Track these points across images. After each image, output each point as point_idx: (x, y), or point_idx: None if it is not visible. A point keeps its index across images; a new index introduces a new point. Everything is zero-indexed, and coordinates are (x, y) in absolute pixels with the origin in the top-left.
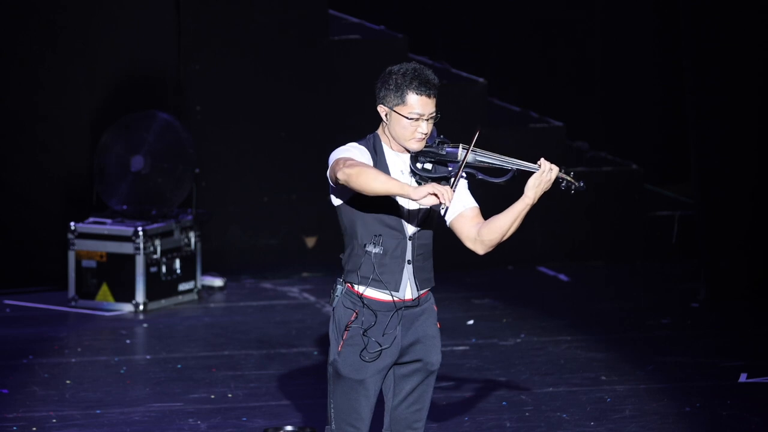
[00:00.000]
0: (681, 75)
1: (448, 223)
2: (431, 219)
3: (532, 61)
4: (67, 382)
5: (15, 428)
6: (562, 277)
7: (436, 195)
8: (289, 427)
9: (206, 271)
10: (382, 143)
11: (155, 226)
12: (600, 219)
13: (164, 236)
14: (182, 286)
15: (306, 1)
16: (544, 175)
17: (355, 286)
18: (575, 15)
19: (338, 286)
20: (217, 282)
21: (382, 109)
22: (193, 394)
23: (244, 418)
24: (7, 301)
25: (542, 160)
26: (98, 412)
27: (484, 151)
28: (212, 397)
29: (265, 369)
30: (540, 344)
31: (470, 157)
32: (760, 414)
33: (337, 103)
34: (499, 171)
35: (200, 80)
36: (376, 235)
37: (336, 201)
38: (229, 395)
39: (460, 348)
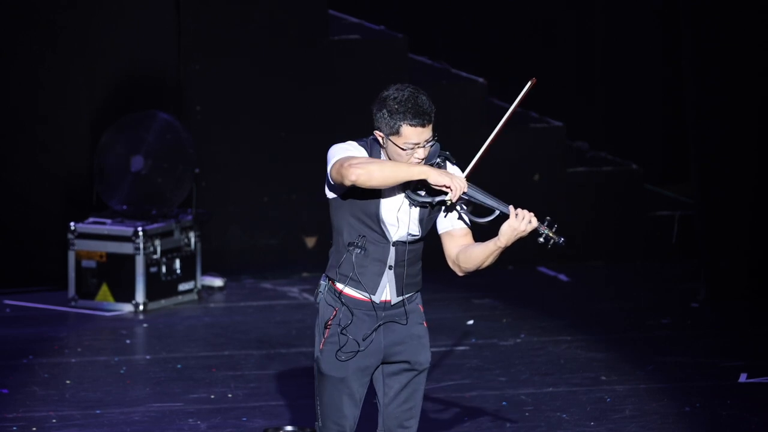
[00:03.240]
0: (681, 75)
1: (439, 232)
2: (422, 229)
3: (532, 61)
4: (67, 382)
5: (15, 428)
6: (562, 277)
7: (449, 187)
8: (289, 427)
9: (206, 271)
10: (381, 151)
11: (155, 226)
12: (600, 219)
13: (164, 236)
14: (182, 286)
15: (306, 1)
16: (516, 224)
17: (336, 283)
18: (575, 15)
19: (322, 282)
20: (217, 282)
21: (378, 134)
22: (193, 394)
23: (244, 418)
24: (7, 301)
25: (524, 212)
26: (98, 412)
27: (475, 187)
28: (212, 397)
29: (265, 369)
30: (540, 344)
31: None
32: (760, 414)
33: (337, 103)
34: (484, 210)
35: (200, 80)
36: (360, 236)
37: (330, 194)
38: (229, 395)
39: (460, 348)
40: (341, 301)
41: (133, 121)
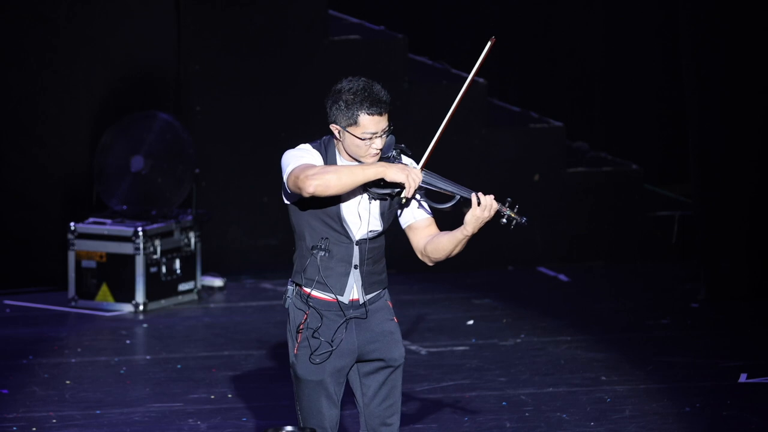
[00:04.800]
0: (681, 75)
1: (402, 227)
2: (383, 223)
3: (532, 61)
4: (67, 382)
5: (15, 428)
6: (562, 277)
7: (403, 183)
8: (289, 427)
9: (206, 271)
10: (336, 150)
11: (155, 226)
12: (600, 219)
13: (164, 236)
14: (182, 286)
15: (306, 1)
16: (479, 212)
17: (303, 287)
18: (576, 15)
19: (289, 287)
20: (217, 282)
21: (334, 128)
22: (193, 394)
23: (244, 418)
24: (7, 301)
25: (486, 197)
26: (98, 412)
27: (433, 174)
28: (212, 397)
29: (265, 369)
30: (540, 344)
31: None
32: (760, 414)
33: None
34: (444, 196)
35: (200, 80)
36: (322, 238)
37: (287, 200)
38: (229, 395)
39: (460, 348)
40: (309, 305)
41: (133, 121)
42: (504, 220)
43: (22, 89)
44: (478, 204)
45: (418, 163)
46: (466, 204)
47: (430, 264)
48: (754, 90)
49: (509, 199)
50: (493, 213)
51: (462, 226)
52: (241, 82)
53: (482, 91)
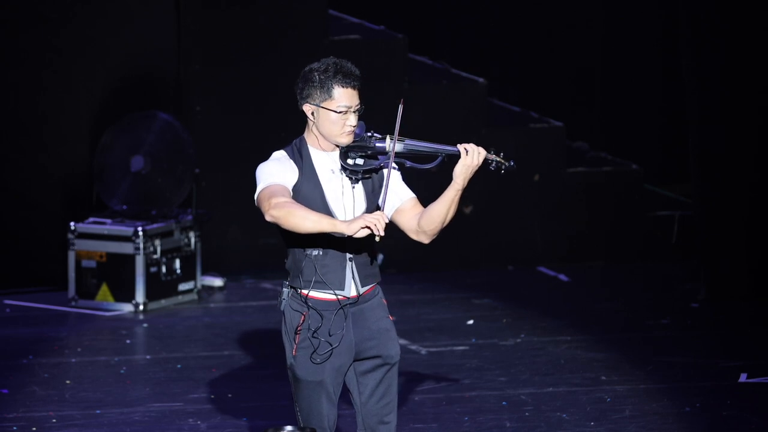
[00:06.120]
0: (681, 75)
1: (390, 215)
2: (372, 198)
3: (532, 61)
4: (67, 382)
5: (15, 428)
6: (562, 277)
7: (368, 227)
8: (289, 427)
9: (206, 271)
10: (308, 146)
11: (155, 226)
12: (599, 219)
13: (164, 236)
14: (182, 286)
15: (306, 1)
16: (469, 160)
17: (301, 289)
18: (576, 15)
19: (284, 290)
20: (217, 282)
21: (308, 108)
22: (193, 394)
23: (244, 418)
24: (7, 301)
25: (470, 145)
26: (98, 412)
27: (411, 140)
28: (212, 397)
29: (265, 369)
30: (540, 344)
31: (399, 147)
32: (760, 414)
33: None
34: (428, 157)
35: (200, 80)
36: (314, 237)
37: None
38: (229, 395)
39: (460, 348)
40: (308, 306)
41: (133, 121)
42: (493, 167)
43: (22, 89)
44: (467, 152)
45: (391, 137)
46: (452, 161)
47: (427, 241)
48: (753, 90)
49: (493, 148)
50: (481, 159)
51: (452, 182)
52: (241, 82)
53: (482, 91)
